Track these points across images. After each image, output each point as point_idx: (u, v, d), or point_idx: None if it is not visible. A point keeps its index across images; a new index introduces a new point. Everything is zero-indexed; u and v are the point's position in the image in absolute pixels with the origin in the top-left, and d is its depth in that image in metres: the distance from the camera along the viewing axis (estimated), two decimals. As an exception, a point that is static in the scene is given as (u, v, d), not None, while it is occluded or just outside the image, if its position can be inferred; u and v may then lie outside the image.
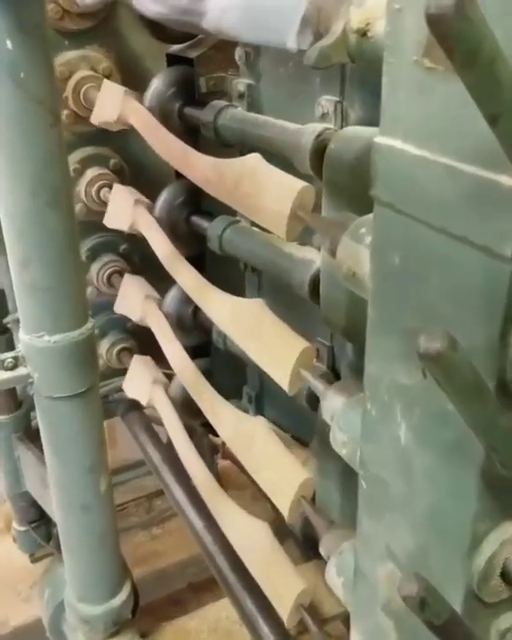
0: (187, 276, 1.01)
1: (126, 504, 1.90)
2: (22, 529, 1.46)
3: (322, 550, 0.81)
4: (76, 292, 0.78)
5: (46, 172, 0.70)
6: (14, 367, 0.80)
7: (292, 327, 0.99)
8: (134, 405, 1.52)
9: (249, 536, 1.01)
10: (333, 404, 0.71)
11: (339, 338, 1.05)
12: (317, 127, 0.91)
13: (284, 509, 0.87)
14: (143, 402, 1.31)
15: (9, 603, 1.57)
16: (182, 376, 1.15)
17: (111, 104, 1.18)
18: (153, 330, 1.24)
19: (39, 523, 1.44)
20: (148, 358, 1.37)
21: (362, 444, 0.62)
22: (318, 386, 0.75)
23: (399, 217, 0.51)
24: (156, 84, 1.18)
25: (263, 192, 0.76)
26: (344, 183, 0.84)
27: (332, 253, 0.63)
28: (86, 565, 0.96)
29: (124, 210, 1.24)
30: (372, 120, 0.89)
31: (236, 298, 0.99)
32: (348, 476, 1.00)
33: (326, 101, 0.93)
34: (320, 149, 0.89)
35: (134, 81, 1.32)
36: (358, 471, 0.64)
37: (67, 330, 0.79)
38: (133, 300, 1.30)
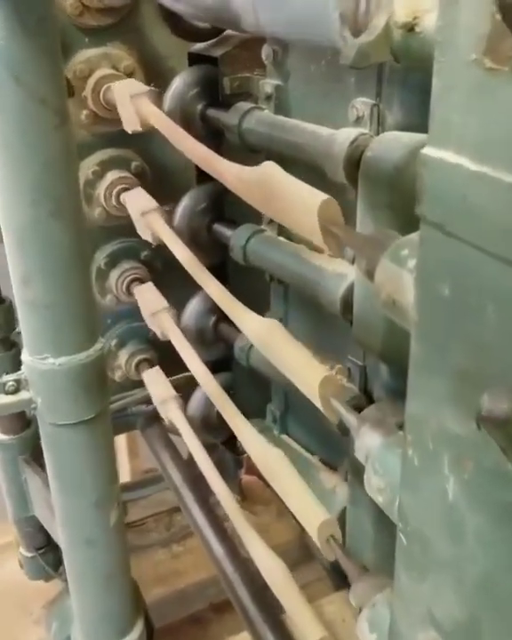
0: (211, 289, 0.93)
1: (145, 519, 1.83)
2: (29, 555, 1.39)
3: (352, 598, 0.73)
4: (84, 310, 0.72)
5: (49, 178, 0.64)
6: (16, 391, 0.73)
7: (319, 344, 0.91)
8: (154, 419, 1.45)
9: (267, 572, 0.94)
10: (368, 442, 0.63)
11: (372, 356, 0.97)
12: (352, 132, 0.84)
13: (319, 544, 0.80)
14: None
15: (19, 624, 1.51)
16: (207, 390, 1.08)
17: (128, 109, 1.11)
18: (173, 343, 1.17)
19: (47, 549, 1.36)
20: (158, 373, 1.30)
21: (401, 493, 0.54)
22: (351, 420, 0.68)
23: (450, 241, 0.43)
24: (177, 84, 1.11)
25: (289, 203, 0.68)
26: (382, 196, 0.76)
27: (370, 275, 0.55)
28: (93, 603, 0.89)
29: (138, 217, 1.17)
30: (413, 125, 0.81)
31: (254, 316, 0.91)
32: (382, 511, 0.92)
33: (361, 104, 0.85)
34: (355, 157, 0.82)
35: (158, 80, 1.25)
36: (396, 523, 0.56)
37: (73, 352, 0.72)
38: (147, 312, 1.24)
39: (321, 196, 0.61)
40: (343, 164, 0.81)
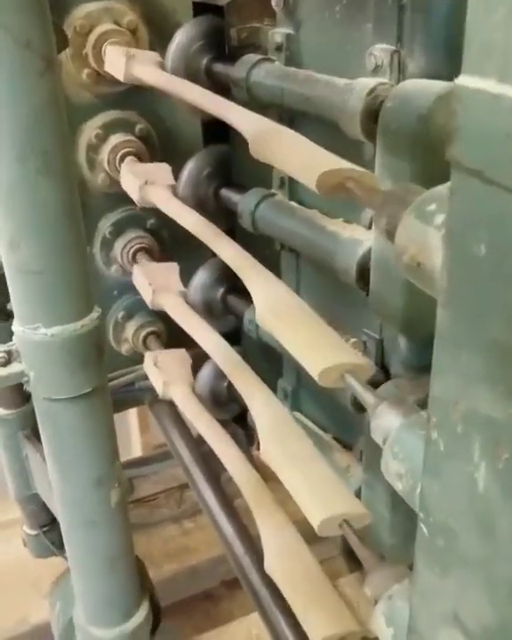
0: (227, 250, 0.87)
1: (157, 495, 1.80)
2: (33, 533, 1.35)
3: (367, 589, 0.68)
4: (77, 276, 0.66)
5: (36, 130, 0.57)
6: (7, 363, 0.68)
7: (333, 316, 0.85)
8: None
9: (288, 557, 0.89)
10: (386, 422, 0.57)
11: (390, 329, 0.91)
12: (369, 82, 0.76)
13: (315, 522, 0.74)
14: (159, 392, 1.19)
15: (28, 599, 1.49)
16: (219, 361, 1.02)
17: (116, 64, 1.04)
18: (176, 319, 1.11)
19: (51, 527, 1.32)
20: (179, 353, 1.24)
21: (424, 481, 0.49)
22: (367, 397, 0.62)
23: (489, 189, 0.36)
24: (180, 38, 1.03)
25: (304, 155, 0.62)
26: (404, 150, 0.69)
27: (390, 236, 0.49)
28: (94, 586, 0.85)
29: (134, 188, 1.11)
30: (438, 73, 0.74)
31: (275, 282, 0.84)
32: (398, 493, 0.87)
33: (380, 51, 0.77)
34: (373, 109, 0.74)
35: (162, 37, 1.17)
36: (417, 513, 0.50)
37: (66, 321, 0.66)
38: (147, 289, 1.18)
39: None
40: (360, 116, 0.73)
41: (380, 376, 0.91)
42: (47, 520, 1.31)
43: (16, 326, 0.68)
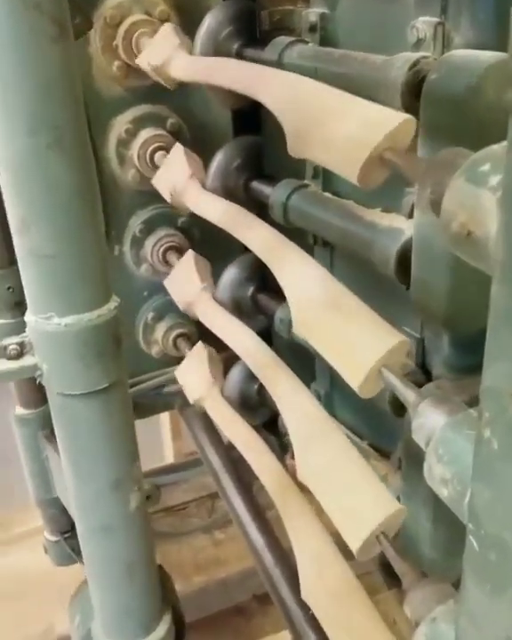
0: (257, 232, 0.81)
1: (187, 504, 1.75)
2: (54, 539, 1.30)
3: (407, 609, 0.62)
4: (93, 261, 0.61)
5: (47, 102, 0.53)
6: (19, 355, 0.64)
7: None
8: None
9: (325, 568, 0.83)
10: (429, 421, 0.51)
11: (432, 326, 0.84)
12: (411, 56, 0.70)
13: (356, 541, 0.68)
14: (191, 400, 1.14)
15: (54, 608, 1.44)
16: (251, 360, 0.97)
17: (162, 48, 1.00)
18: (202, 320, 1.07)
19: (72, 532, 1.25)
20: (210, 351, 1.19)
21: (474, 486, 0.42)
22: (408, 394, 0.55)
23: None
24: (209, 22, 0.98)
25: (344, 121, 0.56)
26: (451, 124, 0.63)
27: (435, 207, 0.43)
28: (112, 597, 0.80)
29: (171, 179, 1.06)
30: (486, 46, 0.68)
31: (318, 266, 0.79)
32: (441, 502, 0.80)
33: (423, 24, 0.72)
34: (415, 83, 0.69)
35: (194, 27, 1.13)
36: (466, 524, 0.44)
37: (81, 310, 0.62)
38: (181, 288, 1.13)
39: (400, 115, 0.49)
40: (401, 90, 0.68)
41: (421, 378, 0.85)
42: (68, 525, 1.26)
43: (28, 316, 0.64)
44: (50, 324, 0.62)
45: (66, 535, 1.27)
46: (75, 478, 0.71)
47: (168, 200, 1.13)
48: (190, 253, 1.19)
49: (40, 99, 0.53)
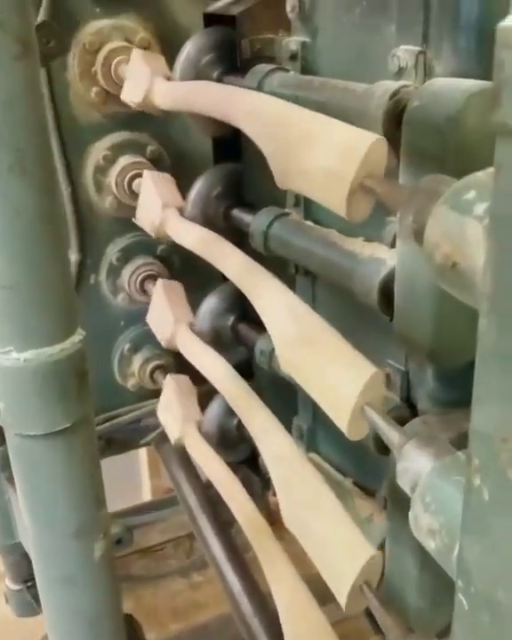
0: (233, 260, 0.79)
1: (164, 545, 1.68)
2: (15, 588, 1.22)
3: (392, 666, 0.57)
4: (57, 292, 0.57)
5: (7, 123, 0.50)
6: (-27, 393, 0.60)
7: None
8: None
9: (299, 618, 0.78)
10: (415, 465, 0.47)
11: (416, 359, 0.81)
12: (392, 85, 0.69)
13: (341, 596, 0.64)
14: (172, 439, 1.10)
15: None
16: (228, 395, 0.93)
17: (138, 81, 0.99)
18: (181, 350, 1.03)
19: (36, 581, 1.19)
20: (183, 381, 1.15)
21: (463, 539, 0.39)
22: (392, 435, 0.52)
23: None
24: (189, 50, 0.96)
25: (318, 149, 0.54)
26: (432, 154, 0.61)
27: (418, 236, 0.40)
28: (74, 653, 0.74)
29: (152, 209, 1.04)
30: (468, 75, 0.66)
31: (292, 297, 0.76)
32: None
33: (405, 52, 0.70)
34: (396, 112, 0.67)
35: (175, 55, 1.12)
36: (455, 580, 0.40)
37: (43, 344, 0.58)
38: (162, 319, 1.10)
39: (370, 136, 0.47)
40: (382, 120, 0.66)
41: (406, 412, 0.81)
42: (31, 573, 1.19)
43: (-16, 350, 0.60)
44: (8, 359, 0.58)
45: (28, 584, 1.20)
46: (34, 525, 0.66)
47: (153, 236, 1.10)
48: (159, 283, 1.17)
49: (0, 118, 0.50)
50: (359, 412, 0.56)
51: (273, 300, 0.72)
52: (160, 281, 1.18)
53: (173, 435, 1.09)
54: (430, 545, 0.44)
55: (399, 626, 0.57)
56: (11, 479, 1.04)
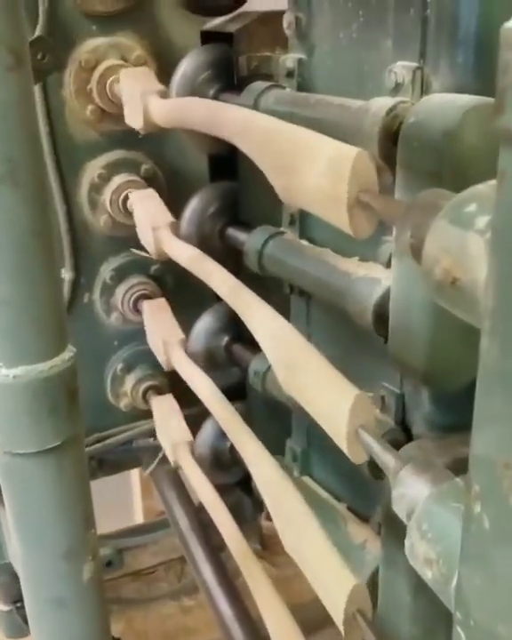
0: (221, 281, 0.78)
1: (155, 568, 1.64)
2: (5, 609, 1.19)
3: None
4: (47, 308, 0.56)
5: (1, 134, 0.49)
6: (-39, 410, 0.58)
7: (348, 368, 0.74)
8: (163, 456, 1.28)
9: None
10: (411, 491, 0.45)
11: (411, 383, 0.80)
12: (388, 101, 0.68)
13: (339, 624, 0.62)
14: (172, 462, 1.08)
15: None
16: (218, 416, 0.92)
17: (134, 103, 0.98)
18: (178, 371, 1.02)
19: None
20: (168, 401, 1.14)
21: (462, 570, 0.37)
22: (387, 459, 0.50)
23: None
24: (185, 67, 0.96)
25: (308, 168, 0.53)
26: (428, 171, 0.60)
27: (416, 251, 0.39)
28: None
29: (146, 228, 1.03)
30: (466, 90, 0.66)
31: (276, 318, 0.75)
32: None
33: (401, 68, 0.70)
34: (393, 130, 0.66)
35: (171, 73, 1.12)
36: (454, 612, 0.38)
37: (33, 361, 0.56)
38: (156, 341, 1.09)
39: (352, 149, 0.46)
40: (377, 137, 0.65)
41: (401, 436, 0.80)
42: (21, 594, 1.16)
43: (-27, 366, 0.58)
44: (-3, 376, 0.56)
45: (18, 605, 1.18)
46: (23, 545, 0.64)
47: (155, 257, 1.10)
48: (146, 306, 1.16)
49: (-10, 130, 0.49)
50: (354, 435, 0.54)
51: (261, 323, 0.70)
52: (145, 303, 1.17)
53: (171, 458, 1.07)
54: (427, 574, 0.42)
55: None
56: (1, 500, 1.02)
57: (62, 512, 0.63)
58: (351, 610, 0.58)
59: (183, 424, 1.09)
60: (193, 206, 1.02)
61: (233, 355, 1.08)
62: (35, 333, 0.57)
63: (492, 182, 0.35)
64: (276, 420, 1.04)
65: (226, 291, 0.78)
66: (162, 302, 1.16)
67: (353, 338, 0.86)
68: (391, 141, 0.66)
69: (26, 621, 1.16)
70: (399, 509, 0.47)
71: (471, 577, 0.36)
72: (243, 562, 0.85)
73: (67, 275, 1.24)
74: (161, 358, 1.13)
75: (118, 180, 1.18)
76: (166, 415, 1.10)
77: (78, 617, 0.69)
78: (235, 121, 0.67)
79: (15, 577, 1.12)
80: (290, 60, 0.84)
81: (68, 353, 0.60)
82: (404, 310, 0.66)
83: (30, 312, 0.56)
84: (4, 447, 0.60)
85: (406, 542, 0.44)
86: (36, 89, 1.06)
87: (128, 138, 1.19)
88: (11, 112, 0.50)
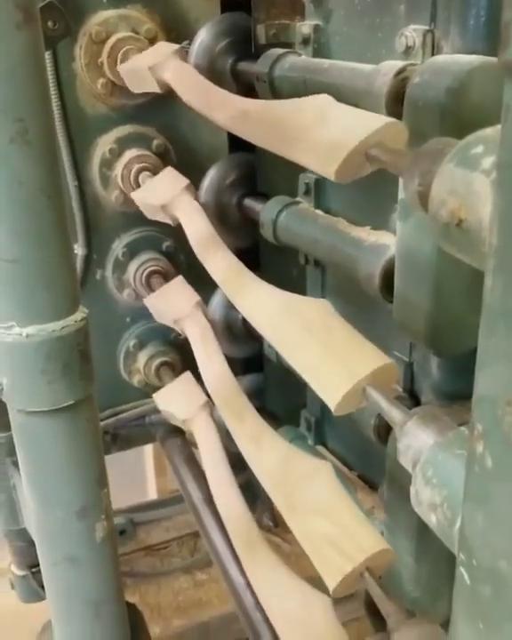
0: (220, 261, 0.78)
1: (168, 543, 1.66)
2: (21, 574, 1.22)
3: (393, 653, 0.56)
4: (59, 268, 0.57)
5: (11, 92, 0.50)
6: (-25, 368, 0.59)
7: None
8: (176, 430, 1.29)
9: (300, 610, 0.77)
10: (417, 441, 0.46)
11: (420, 352, 0.80)
12: (397, 64, 0.68)
13: (331, 581, 0.62)
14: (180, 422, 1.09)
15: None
16: (217, 394, 0.92)
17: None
18: (189, 338, 1.02)
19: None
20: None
21: (466, 511, 0.37)
22: (394, 413, 0.51)
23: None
24: (203, 37, 0.96)
25: (329, 126, 0.53)
26: (432, 129, 0.60)
27: (423, 198, 0.39)
28: (75, 636, 0.73)
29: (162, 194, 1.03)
30: (476, 52, 0.65)
31: (289, 294, 0.76)
32: (426, 535, 0.74)
33: (412, 32, 0.70)
34: (401, 91, 0.66)
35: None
36: (457, 553, 0.39)
37: (45, 320, 0.57)
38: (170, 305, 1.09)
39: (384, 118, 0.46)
40: (386, 98, 0.65)
41: (409, 403, 0.80)
42: (36, 559, 1.18)
43: (-13, 325, 0.59)
44: (10, 335, 0.57)
45: (33, 570, 1.19)
46: (37, 504, 0.65)
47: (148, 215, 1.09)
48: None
49: (2, 88, 0.50)
50: (358, 389, 0.54)
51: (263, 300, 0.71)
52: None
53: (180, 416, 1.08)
54: (432, 520, 0.43)
55: (400, 611, 0.55)
56: (17, 464, 1.03)
57: (76, 470, 0.64)
58: (363, 566, 0.59)
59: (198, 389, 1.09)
60: (211, 176, 1.02)
61: (249, 327, 1.09)
62: (46, 293, 0.57)
63: (499, 126, 0.36)
64: (291, 391, 1.05)
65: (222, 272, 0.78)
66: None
67: (365, 307, 0.86)
68: (400, 102, 0.66)
69: (42, 586, 1.18)
70: (405, 460, 0.47)
71: (474, 516, 0.37)
72: (243, 540, 0.86)
73: (79, 251, 1.25)
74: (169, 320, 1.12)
75: (129, 154, 1.18)
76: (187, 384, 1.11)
77: (92, 576, 0.70)
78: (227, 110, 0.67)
79: (31, 543, 1.14)
80: (306, 26, 0.84)
81: (80, 314, 0.61)
82: (409, 270, 0.66)
83: (41, 272, 0.57)
84: (19, 406, 0.61)
85: (411, 490, 0.45)
86: (47, 62, 1.06)
87: (139, 112, 1.19)
88: (20, 71, 0.51)
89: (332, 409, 0.56)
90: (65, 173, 1.14)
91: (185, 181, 1.05)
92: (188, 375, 1.15)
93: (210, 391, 0.93)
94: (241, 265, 0.80)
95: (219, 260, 0.81)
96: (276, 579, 0.85)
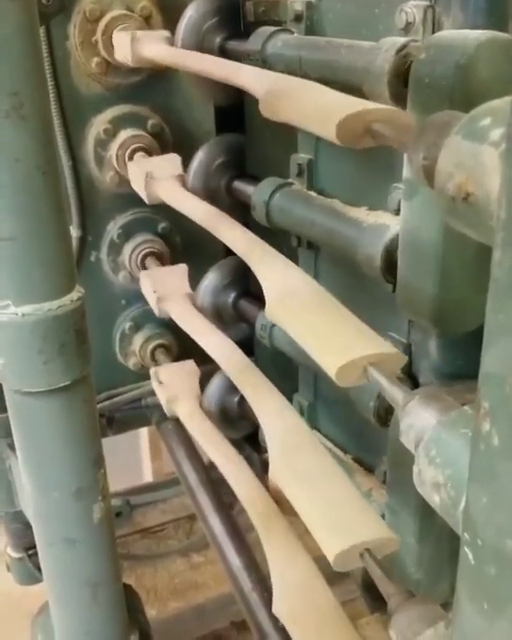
0: (238, 233, 0.77)
1: (164, 525, 1.67)
2: (17, 556, 1.22)
3: (392, 633, 0.56)
4: (55, 246, 0.56)
5: (3, 65, 0.48)
6: (-29, 349, 0.58)
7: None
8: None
9: (300, 595, 0.77)
10: (419, 420, 0.45)
11: (419, 332, 0.80)
12: (398, 40, 0.67)
13: (330, 552, 0.62)
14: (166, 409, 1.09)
15: (24, 634, 1.36)
16: (227, 368, 0.91)
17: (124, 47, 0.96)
18: (181, 324, 1.01)
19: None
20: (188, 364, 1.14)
21: (470, 490, 0.37)
22: (395, 393, 0.50)
23: None
24: (191, 14, 0.94)
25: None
26: (439, 107, 0.59)
27: (429, 172, 0.38)
28: (73, 617, 0.73)
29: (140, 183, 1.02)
30: (477, 27, 0.64)
31: (294, 269, 0.75)
32: (428, 517, 0.74)
33: (412, 7, 0.68)
34: (403, 69, 0.65)
35: (176, 25, 1.10)
36: (460, 534, 0.39)
37: (41, 299, 0.56)
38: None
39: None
40: (387, 77, 0.64)
41: (408, 385, 0.80)
42: (32, 541, 1.18)
43: (-19, 304, 0.58)
44: (6, 314, 0.56)
45: (29, 552, 1.19)
46: (33, 485, 0.65)
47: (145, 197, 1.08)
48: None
49: (-5, 61, 0.49)
50: (360, 365, 0.54)
51: (280, 267, 0.70)
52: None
53: (165, 404, 1.07)
54: (435, 499, 0.42)
55: (401, 592, 0.55)
56: (13, 446, 1.03)
57: (72, 451, 0.64)
58: (362, 547, 0.59)
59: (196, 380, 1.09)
60: (199, 158, 1.01)
61: (240, 310, 1.08)
62: (42, 272, 0.57)
63: (508, 97, 0.35)
64: (283, 374, 1.04)
65: (238, 241, 0.77)
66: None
67: (360, 290, 0.86)
68: (402, 80, 0.65)
69: (38, 568, 1.18)
70: (407, 440, 0.47)
71: (479, 496, 0.36)
72: (260, 512, 0.86)
73: (74, 232, 1.24)
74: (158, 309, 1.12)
75: (124, 134, 1.17)
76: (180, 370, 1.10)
77: (89, 557, 0.70)
78: (245, 81, 0.66)
79: (27, 525, 1.14)
80: (298, 3, 0.83)
81: (77, 293, 0.60)
82: (412, 248, 0.66)
83: (37, 250, 0.56)
84: (14, 385, 0.61)
85: (414, 469, 0.44)
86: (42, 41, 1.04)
87: (134, 92, 1.18)
88: (14, 44, 0.50)
89: (332, 374, 0.55)
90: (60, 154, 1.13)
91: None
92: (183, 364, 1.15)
93: (222, 366, 0.92)
94: (255, 239, 0.79)
95: (237, 233, 0.80)
96: (293, 549, 0.84)
